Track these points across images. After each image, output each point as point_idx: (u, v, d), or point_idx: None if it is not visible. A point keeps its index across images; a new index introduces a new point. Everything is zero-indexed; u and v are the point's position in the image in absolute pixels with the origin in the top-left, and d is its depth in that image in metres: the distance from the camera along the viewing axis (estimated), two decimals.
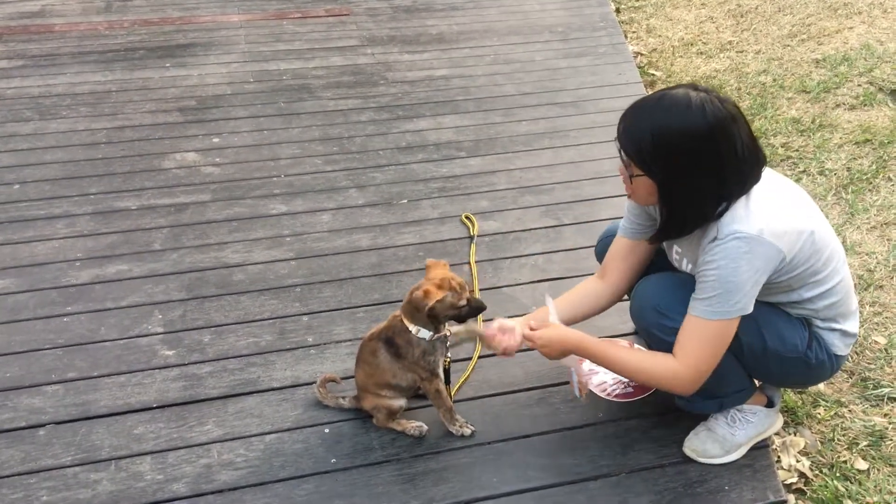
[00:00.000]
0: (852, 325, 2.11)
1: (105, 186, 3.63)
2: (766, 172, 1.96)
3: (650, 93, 1.97)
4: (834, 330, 2.07)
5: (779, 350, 2.03)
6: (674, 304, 2.00)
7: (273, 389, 2.47)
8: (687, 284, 1.99)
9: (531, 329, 2.15)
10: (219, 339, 2.69)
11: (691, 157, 1.85)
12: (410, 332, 2.16)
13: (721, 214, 1.89)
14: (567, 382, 2.39)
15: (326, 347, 2.65)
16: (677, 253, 2.12)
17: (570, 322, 2.26)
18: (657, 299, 2.06)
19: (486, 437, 2.28)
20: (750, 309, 1.92)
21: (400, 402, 2.26)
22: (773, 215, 1.88)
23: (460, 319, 2.18)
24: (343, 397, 2.37)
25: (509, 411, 2.38)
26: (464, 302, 2.12)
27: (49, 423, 2.35)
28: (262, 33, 5.49)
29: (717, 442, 2.19)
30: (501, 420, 2.34)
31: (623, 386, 2.40)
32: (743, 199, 1.89)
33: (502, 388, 2.45)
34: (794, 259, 1.91)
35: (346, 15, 5.86)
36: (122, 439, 2.29)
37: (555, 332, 2.13)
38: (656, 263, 2.26)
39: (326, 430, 2.32)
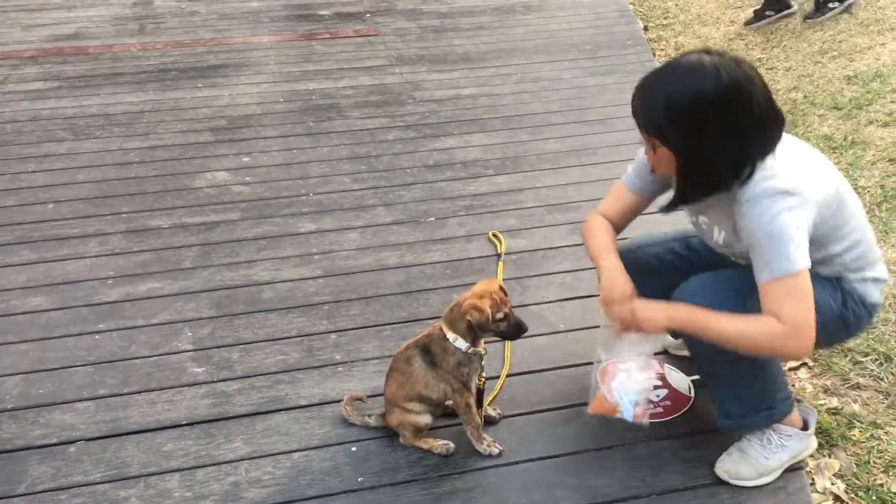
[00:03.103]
0: (881, 271, 2.10)
1: (137, 205, 3.68)
2: (785, 136, 1.95)
3: (663, 62, 1.93)
4: (866, 279, 2.06)
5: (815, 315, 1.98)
6: (722, 302, 1.93)
7: (301, 407, 2.48)
8: (730, 281, 1.97)
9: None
10: (247, 357, 2.71)
11: (710, 122, 1.83)
12: (448, 340, 2.16)
13: (750, 176, 1.86)
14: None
15: (354, 365, 2.65)
16: (704, 223, 2.10)
17: None
18: (704, 303, 1.98)
19: (513, 457, 2.26)
20: (809, 262, 1.86)
21: (426, 420, 2.26)
22: (801, 173, 1.88)
23: (501, 335, 2.19)
24: (369, 415, 2.37)
25: (537, 431, 2.36)
26: (501, 315, 2.13)
27: (80, 440, 2.37)
28: (292, 54, 5.56)
29: (750, 464, 2.15)
30: (529, 440, 2.33)
31: (652, 406, 2.38)
32: (769, 159, 1.87)
33: (530, 407, 2.44)
34: (823, 215, 1.90)
35: (374, 35, 5.91)
36: (151, 456, 2.31)
37: (649, 305, 2.02)
38: (695, 264, 2.22)
39: (354, 449, 2.31)
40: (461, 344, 2.17)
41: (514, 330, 2.17)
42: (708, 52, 1.86)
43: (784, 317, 1.84)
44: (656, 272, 2.29)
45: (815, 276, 1.98)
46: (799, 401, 2.32)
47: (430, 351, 2.20)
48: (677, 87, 1.84)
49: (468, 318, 2.11)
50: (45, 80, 5.13)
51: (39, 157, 4.12)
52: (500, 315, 2.12)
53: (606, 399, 2.21)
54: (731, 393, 2.09)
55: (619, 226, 2.29)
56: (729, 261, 2.17)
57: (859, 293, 2.05)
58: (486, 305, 2.11)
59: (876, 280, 2.07)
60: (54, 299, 3.02)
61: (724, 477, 2.16)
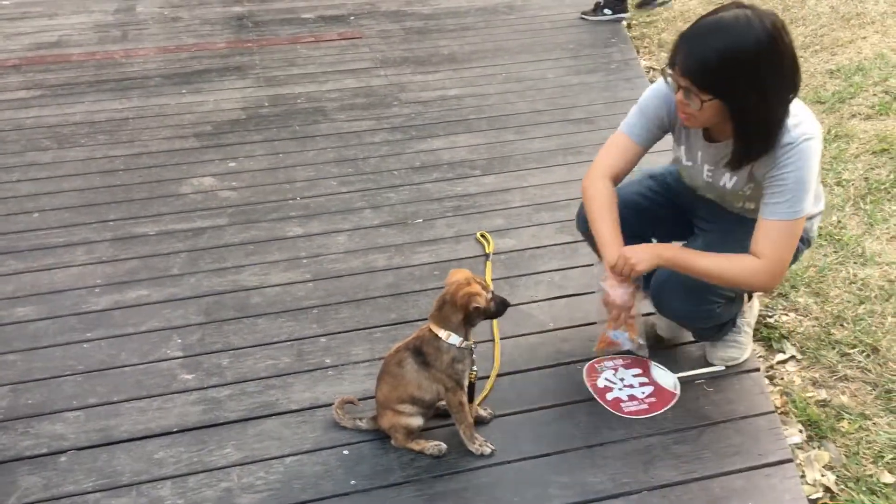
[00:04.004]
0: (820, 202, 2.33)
1: (123, 213, 3.66)
2: None
3: (701, 18, 2.00)
4: (819, 215, 2.32)
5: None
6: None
7: (292, 412, 2.48)
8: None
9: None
10: (237, 362, 2.70)
11: (764, 70, 1.90)
12: (440, 338, 2.17)
13: (784, 118, 1.98)
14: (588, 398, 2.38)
15: (345, 368, 2.65)
16: (709, 171, 2.22)
17: None
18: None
19: (505, 457, 2.26)
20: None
21: (418, 422, 2.26)
22: (811, 116, 2.04)
23: (492, 316, 2.23)
24: (361, 418, 2.37)
25: (528, 430, 2.37)
26: (490, 295, 2.18)
27: (70, 450, 2.36)
28: (276, 58, 5.55)
29: (729, 347, 2.51)
30: (521, 438, 2.33)
31: (637, 402, 2.39)
32: (795, 101, 1.99)
33: (520, 406, 2.44)
34: None
35: (358, 38, 5.91)
36: (142, 464, 2.30)
37: (638, 247, 2.21)
38: (671, 200, 2.47)
39: (346, 452, 2.31)
40: (454, 340, 2.17)
41: (501, 307, 2.22)
42: (739, 5, 1.93)
43: (771, 255, 2.04)
44: (642, 210, 2.47)
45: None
46: None
47: (422, 352, 2.21)
48: (732, 41, 1.89)
49: (475, 305, 2.12)
50: (29, 88, 5.10)
51: (24, 167, 4.10)
52: (489, 296, 2.17)
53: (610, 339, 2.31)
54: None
55: (621, 179, 2.40)
56: (703, 199, 2.37)
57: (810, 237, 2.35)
58: (479, 289, 2.14)
59: (819, 214, 2.32)
60: (41, 309, 3.01)
61: (721, 363, 2.51)
